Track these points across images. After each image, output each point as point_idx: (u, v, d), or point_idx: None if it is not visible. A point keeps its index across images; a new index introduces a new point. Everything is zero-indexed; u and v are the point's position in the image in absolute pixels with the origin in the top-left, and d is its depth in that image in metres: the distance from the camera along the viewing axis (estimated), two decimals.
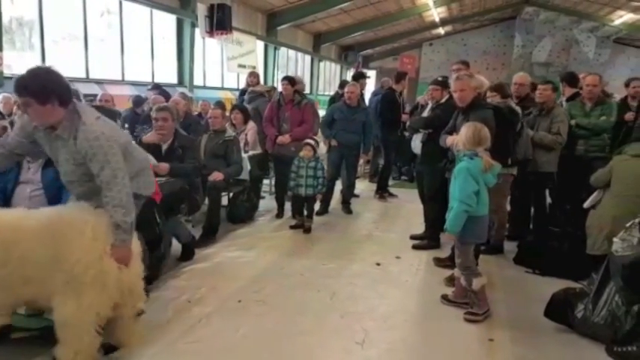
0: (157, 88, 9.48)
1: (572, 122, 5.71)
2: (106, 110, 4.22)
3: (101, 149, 2.84)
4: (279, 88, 6.96)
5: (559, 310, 3.72)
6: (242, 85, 10.57)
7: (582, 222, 4.59)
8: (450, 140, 4.56)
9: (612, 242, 3.52)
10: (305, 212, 6.04)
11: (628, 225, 3.46)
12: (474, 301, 3.90)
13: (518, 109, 5.21)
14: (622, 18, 21.37)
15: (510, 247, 5.40)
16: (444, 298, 4.17)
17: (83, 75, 9.91)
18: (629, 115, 6.21)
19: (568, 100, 6.36)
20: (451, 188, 3.92)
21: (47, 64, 8.90)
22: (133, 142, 3.28)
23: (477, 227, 3.84)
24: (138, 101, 7.87)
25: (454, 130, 4.62)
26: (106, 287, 2.83)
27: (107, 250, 2.85)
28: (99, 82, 10.05)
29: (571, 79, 6.60)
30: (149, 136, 5.04)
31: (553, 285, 4.19)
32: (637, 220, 3.42)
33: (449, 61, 22.56)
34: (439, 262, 4.98)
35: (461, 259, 3.91)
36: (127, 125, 6.80)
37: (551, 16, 24.57)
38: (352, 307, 4.03)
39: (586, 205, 4.59)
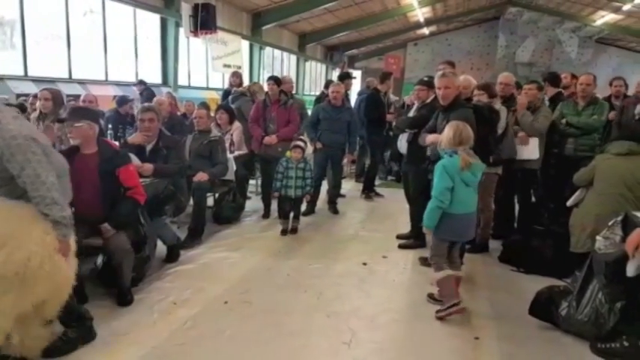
0: (143, 83, 9.39)
1: (563, 121, 5.77)
2: (89, 111, 4.17)
3: (19, 148, 2.70)
4: (265, 88, 6.94)
5: (543, 307, 3.76)
6: (227, 86, 10.54)
7: (566, 220, 4.63)
8: (430, 139, 4.58)
9: (595, 240, 3.55)
10: (292, 214, 6.01)
11: (610, 223, 3.49)
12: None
13: (503, 108, 5.26)
14: (604, 18, 21.64)
15: (495, 245, 5.44)
16: (430, 296, 4.18)
17: (66, 75, 9.81)
18: (612, 115, 6.28)
19: (551, 99, 6.43)
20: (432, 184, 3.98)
21: (29, 63, 8.87)
22: (51, 146, 3.15)
23: (453, 225, 3.87)
24: (122, 101, 7.80)
25: (434, 130, 4.65)
26: (55, 284, 2.78)
27: (56, 245, 2.78)
28: (82, 82, 9.96)
29: (554, 79, 6.68)
30: (134, 137, 4.99)
31: (537, 283, 4.22)
32: (619, 218, 3.46)
33: (434, 61, 22.71)
34: (424, 262, 5.00)
35: (431, 251, 4.02)
36: (110, 126, 6.73)
37: (535, 16, 24.82)
38: (339, 306, 4.03)
39: (569, 203, 4.63)
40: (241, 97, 7.75)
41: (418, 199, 5.35)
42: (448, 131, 3.84)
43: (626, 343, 3.30)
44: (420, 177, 5.17)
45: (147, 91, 9.09)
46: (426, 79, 5.66)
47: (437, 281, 3.92)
